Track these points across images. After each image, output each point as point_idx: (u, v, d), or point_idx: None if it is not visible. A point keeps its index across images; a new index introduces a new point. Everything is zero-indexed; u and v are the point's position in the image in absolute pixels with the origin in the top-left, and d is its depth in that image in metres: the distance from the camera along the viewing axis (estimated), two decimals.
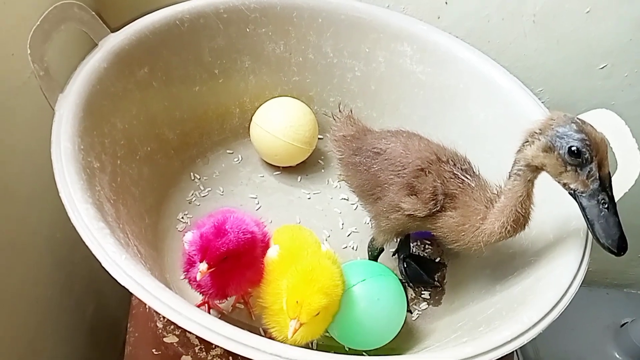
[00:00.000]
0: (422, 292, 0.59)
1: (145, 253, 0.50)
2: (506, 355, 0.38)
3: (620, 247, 0.40)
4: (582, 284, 0.44)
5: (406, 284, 0.60)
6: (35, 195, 0.56)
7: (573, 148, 0.39)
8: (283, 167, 0.69)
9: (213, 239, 0.43)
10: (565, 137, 0.39)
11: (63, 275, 0.68)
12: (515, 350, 0.98)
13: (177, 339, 0.50)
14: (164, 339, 0.49)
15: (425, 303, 0.58)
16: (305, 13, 0.65)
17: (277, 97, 0.69)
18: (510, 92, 0.59)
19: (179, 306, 0.36)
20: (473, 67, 0.61)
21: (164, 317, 0.46)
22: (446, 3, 0.71)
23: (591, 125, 0.40)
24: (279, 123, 0.64)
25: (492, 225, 0.45)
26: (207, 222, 0.45)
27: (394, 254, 0.62)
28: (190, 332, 0.40)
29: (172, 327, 0.50)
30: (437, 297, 0.59)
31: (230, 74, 0.66)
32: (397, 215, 0.50)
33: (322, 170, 0.70)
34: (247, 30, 0.64)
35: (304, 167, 0.69)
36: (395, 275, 0.51)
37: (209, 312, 0.52)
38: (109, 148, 0.51)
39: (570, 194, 0.41)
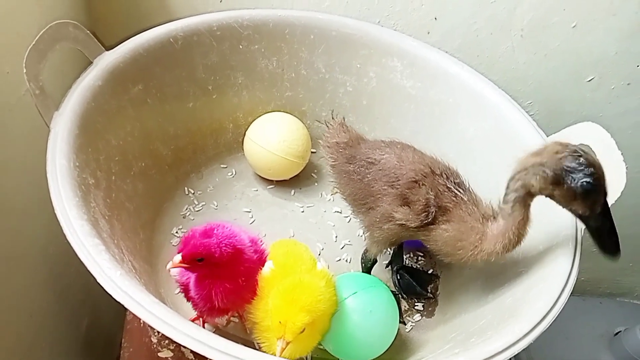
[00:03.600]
0: (416, 304, 0.60)
1: (139, 268, 0.50)
2: None
3: (619, 253, 0.44)
4: (575, 293, 0.45)
5: (400, 296, 0.60)
6: (30, 210, 0.57)
7: (586, 184, 0.41)
8: (277, 181, 0.70)
9: (197, 237, 0.43)
10: (575, 172, 0.41)
11: (58, 289, 0.69)
12: (510, 358, 0.98)
13: (172, 354, 0.50)
14: (159, 354, 0.50)
15: (419, 315, 0.59)
16: (297, 30, 0.66)
17: (271, 112, 0.70)
18: (499, 107, 0.60)
19: (173, 321, 0.37)
20: (462, 81, 0.63)
21: (158, 332, 0.46)
22: (435, 19, 0.72)
23: (592, 153, 0.42)
24: (273, 137, 0.65)
25: (493, 247, 0.46)
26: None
27: (387, 266, 0.62)
28: (184, 347, 0.40)
29: (166, 342, 0.51)
30: (430, 309, 0.59)
31: (223, 90, 0.67)
32: (390, 225, 0.51)
33: (316, 184, 0.71)
34: (240, 47, 0.65)
35: (298, 180, 0.70)
36: (387, 287, 0.52)
37: (204, 327, 0.52)
38: (104, 164, 0.52)
39: (576, 216, 0.44)
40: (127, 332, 0.53)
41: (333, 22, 0.66)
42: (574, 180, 0.41)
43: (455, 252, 0.48)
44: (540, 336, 0.40)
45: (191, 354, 0.50)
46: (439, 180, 0.49)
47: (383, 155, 0.53)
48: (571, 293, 0.44)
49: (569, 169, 0.41)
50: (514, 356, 0.95)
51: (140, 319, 0.45)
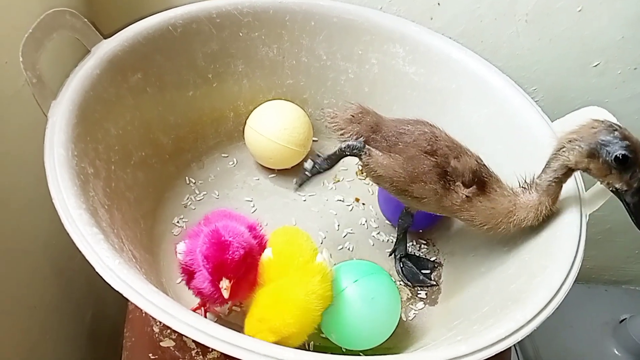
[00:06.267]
0: (419, 292, 0.59)
1: (140, 258, 0.50)
2: (502, 352, 0.38)
3: None
4: (580, 281, 0.45)
5: (403, 284, 0.60)
6: (31, 203, 0.57)
7: (620, 155, 0.43)
8: (278, 170, 0.69)
9: (221, 254, 0.43)
10: (610, 144, 0.43)
11: (61, 281, 0.69)
12: (515, 349, 0.98)
13: (174, 343, 0.50)
14: (161, 343, 0.49)
15: (422, 302, 0.58)
16: (297, 16, 0.65)
17: (271, 100, 0.69)
18: (503, 92, 0.59)
19: (173, 310, 0.36)
20: (465, 67, 0.62)
21: (160, 322, 0.46)
22: (439, 4, 0.71)
23: (628, 130, 0.44)
24: (274, 126, 0.64)
25: (525, 215, 0.48)
26: (200, 237, 0.45)
27: (390, 254, 0.62)
28: (186, 336, 0.40)
29: (168, 331, 0.50)
30: (433, 297, 0.59)
31: (224, 78, 0.67)
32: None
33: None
34: (240, 34, 0.65)
35: (299, 169, 0.69)
36: (389, 274, 0.52)
37: (205, 316, 0.52)
38: (103, 154, 0.52)
39: (612, 191, 0.45)
40: (128, 322, 0.53)
41: (334, 9, 0.65)
42: (609, 153, 0.43)
43: (489, 220, 0.49)
44: (545, 324, 0.40)
45: (193, 343, 0.50)
46: (471, 158, 0.50)
47: (415, 127, 0.51)
48: (576, 281, 0.44)
49: (603, 142, 0.43)
50: (519, 344, 0.95)
51: (141, 309, 0.45)
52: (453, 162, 0.49)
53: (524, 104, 0.57)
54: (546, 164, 0.48)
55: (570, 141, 0.45)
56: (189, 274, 0.47)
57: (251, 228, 0.48)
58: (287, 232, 0.52)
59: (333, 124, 0.51)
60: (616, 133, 0.43)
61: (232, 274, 0.43)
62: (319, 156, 0.53)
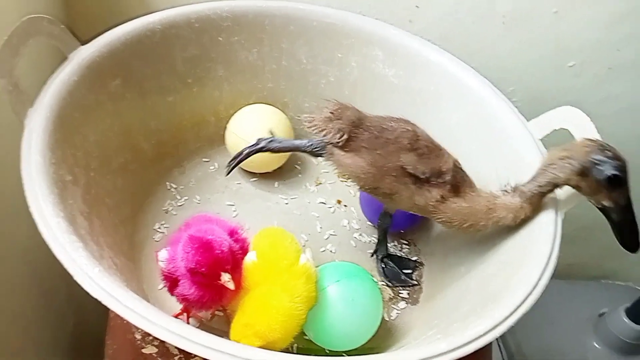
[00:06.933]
0: (401, 292, 0.60)
1: (121, 264, 0.50)
2: (483, 348, 0.39)
3: (638, 247, 0.47)
4: (561, 277, 0.46)
5: (385, 284, 0.60)
6: (9, 210, 0.56)
7: (612, 175, 0.44)
8: (260, 174, 0.69)
9: (210, 253, 0.43)
10: (602, 164, 0.45)
11: (42, 290, 0.68)
12: (498, 346, 0.99)
13: (157, 350, 0.50)
14: (143, 350, 0.49)
15: (404, 302, 0.59)
16: (277, 21, 0.65)
17: (252, 104, 0.69)
18: (480, 93, 0.60)
19: (153, 316, 0.36)
20: (444, 69, 0.63)
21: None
22: (417, 7, 0.72)
23: (617, 150, 0.45)
24: (254, 130, 0.64)
25: (505, 214, 0.49)
26: (181, 245, 0.45)
27: (372, 255, 0.62)
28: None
29: (150, 337, 0.50)
30: (415, 296, 0.60)
31: (204, 82, 0.67)
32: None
33: (299, 175, 0.71)
34: (220, 39, 0.65)
35: (281, 172, 0.70)
36: (371, 275, 0.52)
37: (188, 321, 0.52)
38: (82, 160, 0.51)
39: (599, 208, 0.47)
40: (110, 329, 0.53)
41: (313, 12, 0.66)
42: (601, 172, 0.44)
43: (469, 218, 0.49)
44: (527, 321, 0.41)
45: (176, 349, 0.50)
46: (449, 159, 0.50)
47: (397, 124, 0.51)
48: (556, 277, 0.44)
49: (596, 161, 0.45)
50: (502, 341, 0.96)
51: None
52: (430, 161, 0.49)
53: (500, 105, 0.58)
54: (533, 177, 0.49)
55: (561, 158, 0.46)
56: (171, 281, 0.47)
57: (232, 232, 0.48)
58: (271, 234, 0.52)
59: (312, 127, 0.51)
60: (608, 153, 0.45)
61: (228, 265, 0.43)
62: (274, 140, 0.54)
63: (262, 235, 0.51)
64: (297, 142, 0.52)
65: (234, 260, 0.45)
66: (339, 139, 0.50)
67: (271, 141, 0.53)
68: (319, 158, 0.52)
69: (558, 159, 0.47)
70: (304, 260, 0.48)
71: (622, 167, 0.44)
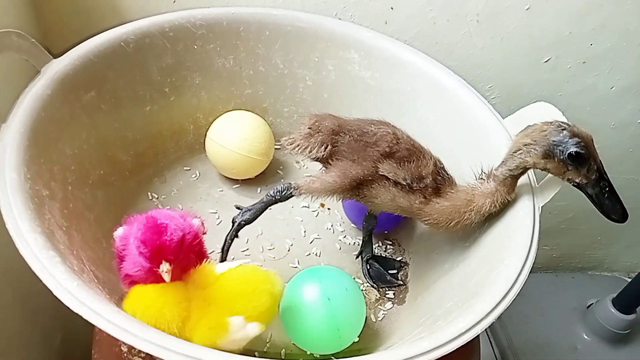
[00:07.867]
0: (387, 292, 0.60)
1: (103, 278, 0.49)
2: (470, 342, 0.39)
3: (625, 216, 0.47)
4: (548, 269, 0.46)
5: (370, 285, 0.60)
6: None
7: (573, 152, 0.45)
8: (242, 180, 0.69)
9: (158, 237, 0.41)
10: (562, 144, 0.45)
11: (26, 307, 0.67)
12: (489, 339, 1.00)
13: None
14: None
15: (390, 303, 0.59)
16: (252, 27, 0.65)
17: (231, 110, 0.69)
18: (456, 92, 0.61)
19: (136, 329, 0.36)
20: (418, 69, 0.63)
21: None
22: (392, 8, 0.72)
23: (577, 126, 0.46)
24: (234, 136, 0.64)
25: (483, 202, 0.49)
26: (136, 223, 0.43)
27: (357, 257, 0.63)
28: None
29: (136, 349, 0.50)
30: (401, 296, 0.60)
31: (181, 91, 0.66)
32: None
33: (282, 180, 0.71)
34: (195, 47, 0.65)
35: (263, 178, 0.70)
36: (352, 277, 0.52)
37: None
38: (59, 174, 0.51)
39: (574, 186, 0.47)
40: (96, 343, 0.52)
41: (287, 17, 0.66)
42: (562, 152, 0.45)
43: (454, 216, 0.50)
44: (517, 313, 0.41)
45: None
46: (430, 161, 0.51)
47: (377, 128, 0.51)
48: (545, 270, 0.45)
49: (555, 142, 0.46)
50: (492, 334, 0.97)
51: None
52: (410, 165, 0.50)
53: (475, 103, 0.59)
54: (503, 161, 0.49)
55: (525, 144, 0.47)
56: (120, 260, 0.45)
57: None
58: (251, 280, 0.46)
59: (295, 147, 0.52)
60: (565, 132, 0.45)
61: (172, 256, 0.41)
62: (240, 209, 0.54)
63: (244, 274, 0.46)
64: (265, 199, 0.52)
65: (182, 255, 0.43)
66: (323, 151, 0.51)
67: (244, 213, 0.53)
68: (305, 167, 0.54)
69: (523, 145, 0.47)
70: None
71: (582, 142, 0.45)
